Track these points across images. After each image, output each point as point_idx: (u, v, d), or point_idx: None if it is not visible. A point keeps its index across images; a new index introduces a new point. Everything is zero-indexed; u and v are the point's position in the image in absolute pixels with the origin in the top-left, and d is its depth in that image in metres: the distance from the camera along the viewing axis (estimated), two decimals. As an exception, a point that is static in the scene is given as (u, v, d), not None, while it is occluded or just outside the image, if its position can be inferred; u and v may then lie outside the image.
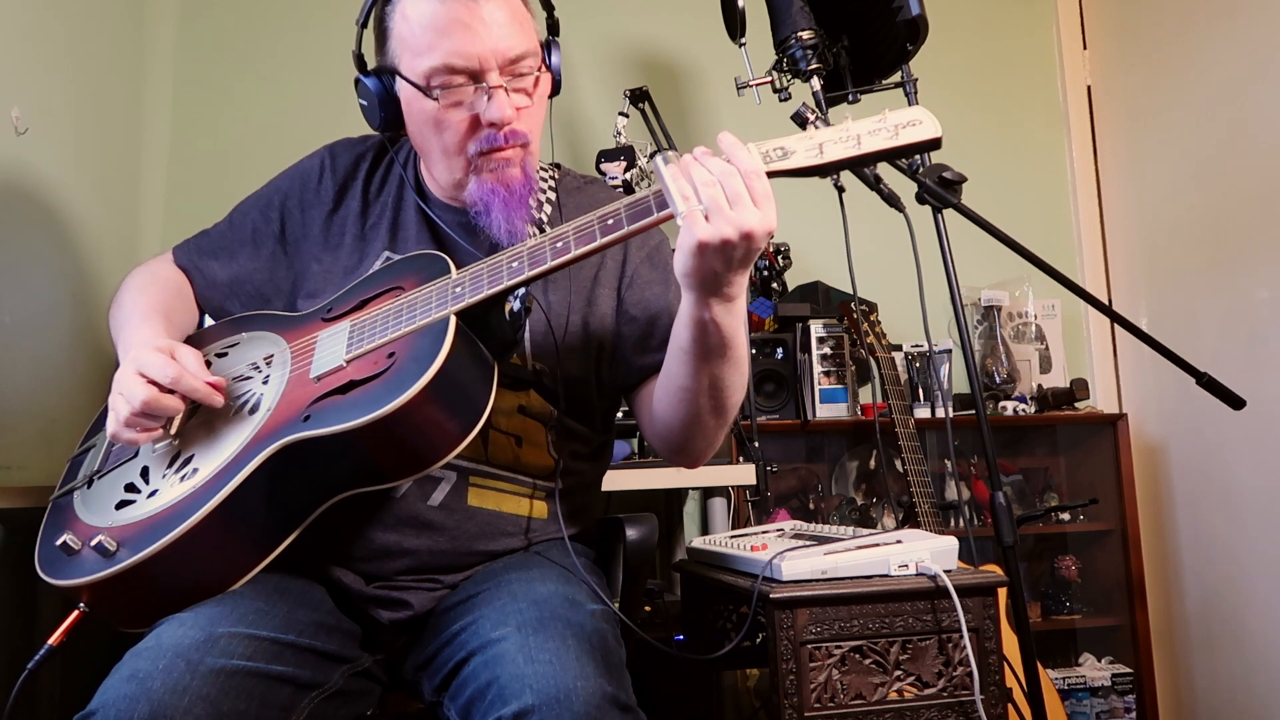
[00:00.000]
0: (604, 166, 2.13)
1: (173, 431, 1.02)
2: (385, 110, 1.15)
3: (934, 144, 0.95)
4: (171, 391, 1.00)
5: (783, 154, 0.95)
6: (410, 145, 1.24)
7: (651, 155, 1.87)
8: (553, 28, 1.21)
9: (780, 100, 1.94)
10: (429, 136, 1.13)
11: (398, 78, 1.13)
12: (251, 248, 1.25)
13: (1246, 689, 2.32)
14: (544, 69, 1.15)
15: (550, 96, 1.19)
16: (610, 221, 0.97)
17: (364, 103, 1.17)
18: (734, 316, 0.99)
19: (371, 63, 1.17)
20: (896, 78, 1.94)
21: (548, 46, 1.17)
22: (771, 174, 0.95)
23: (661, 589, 2.09)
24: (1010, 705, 1.46)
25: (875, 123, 0.95)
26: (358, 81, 1.17)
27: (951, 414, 2.24)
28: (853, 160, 0.95)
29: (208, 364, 1.09)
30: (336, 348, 1.05)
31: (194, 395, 1.01)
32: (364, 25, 1.17)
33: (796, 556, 1.36)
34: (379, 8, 1.14)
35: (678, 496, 2.33)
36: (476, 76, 1.08)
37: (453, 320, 0.99)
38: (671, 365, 1.07)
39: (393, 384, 0.95)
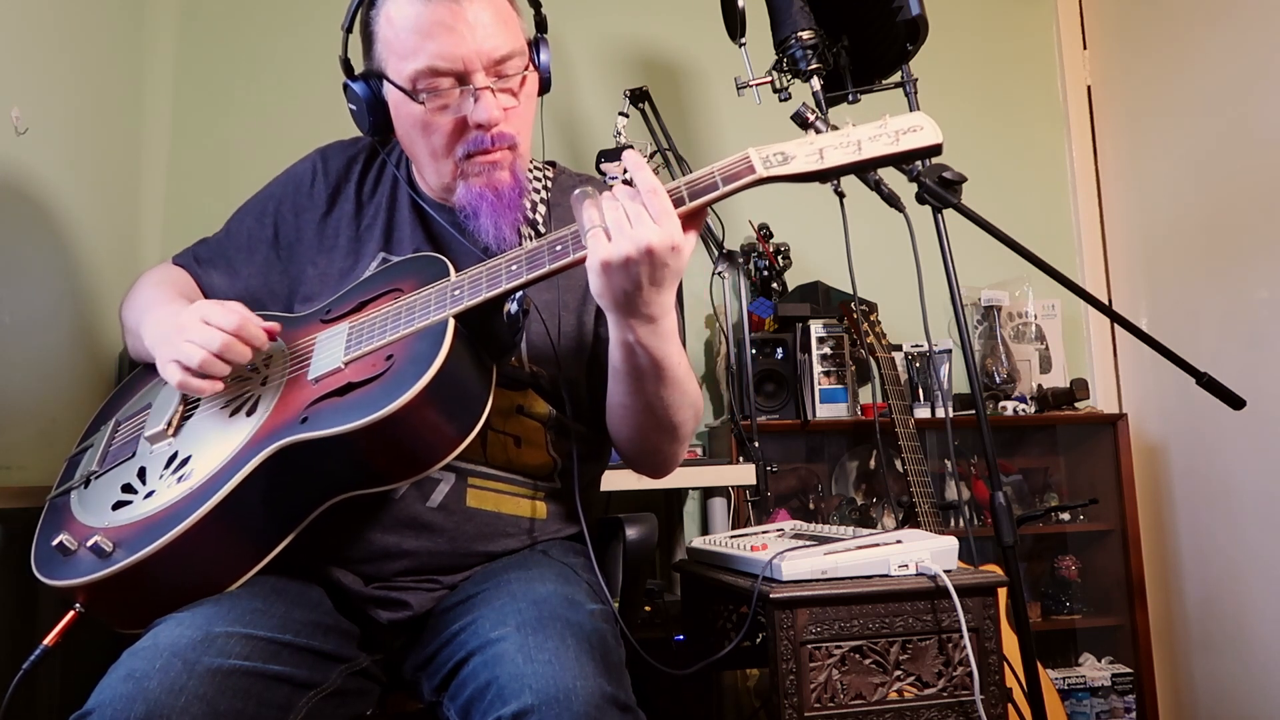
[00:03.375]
0: (604, 166, 2.13)
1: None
2: (374, 114, 1.15)
3: (935, 150, 0.95)
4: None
5: (783, 159, 0.96)
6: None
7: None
8: (540, 25, 1.20)
9: (780, 100, 1.94)
10: (417, 140, 1.13)
11: (384, 81, 1.12)
12: (247, 254, 1.25)
13: (1246, 689, 2.32)
14: (531, 68, 1.14)
15: (540, 94, 1.19)
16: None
17: (353, 107, 1.17)
18: (660, 338, 0.99)
19: (359, 67, 1.17)
20: (896, 78, 1.94)
21: (535, 44, 1.17)
22: (772, 179, 0.95)
23: (661, 589, 2.09)
24: (1010, 705, 1.46)
25: (876, 128, 0.96)
26: (346, 86, 1.16)
27: (951, 414, 2.24)
28: (853, 166, 0.96)
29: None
30: (335, 350, 1.05)
31: (255, 341, 1.04)
32: (349, 30, 1.16)
33: (796, 556, 1.36)
34: (363, 11, 1.13)
35: (678, 496, 2.33)
36: (462, 78, 1.08)
37: (451, 323, 0.99)
38: (612, 383, 1.09)
39: (391, 387, 0.95)
